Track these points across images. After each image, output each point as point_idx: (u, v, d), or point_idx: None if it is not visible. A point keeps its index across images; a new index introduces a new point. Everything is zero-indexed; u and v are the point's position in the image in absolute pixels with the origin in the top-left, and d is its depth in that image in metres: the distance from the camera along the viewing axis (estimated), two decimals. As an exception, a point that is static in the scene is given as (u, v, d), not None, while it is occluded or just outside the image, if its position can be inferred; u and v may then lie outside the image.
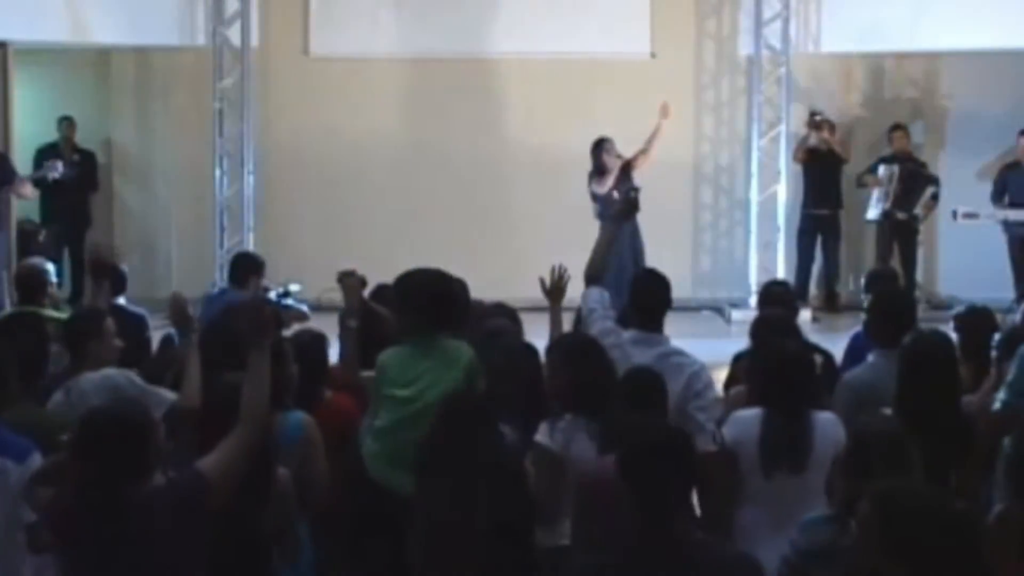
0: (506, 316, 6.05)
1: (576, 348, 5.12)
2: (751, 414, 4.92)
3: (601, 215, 10.82)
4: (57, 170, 11.86)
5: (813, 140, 12.76)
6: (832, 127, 12.81)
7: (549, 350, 5.12)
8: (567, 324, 5.95)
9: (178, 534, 3.88)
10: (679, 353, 5.45)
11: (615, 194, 10.69)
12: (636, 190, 5.68)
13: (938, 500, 3.16)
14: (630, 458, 3.49)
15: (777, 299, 6.60)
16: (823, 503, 4.33)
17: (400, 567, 4.55)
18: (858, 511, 3.15)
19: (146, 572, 3.86)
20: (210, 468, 3.99)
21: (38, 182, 12.31)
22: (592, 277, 5.52)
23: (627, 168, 11.00)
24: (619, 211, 5.68)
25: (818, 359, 5.55)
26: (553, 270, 5.91)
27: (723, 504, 4.92)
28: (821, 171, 12.79)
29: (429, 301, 4.79)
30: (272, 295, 8.36)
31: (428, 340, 4.77)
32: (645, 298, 5.47)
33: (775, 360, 5.02)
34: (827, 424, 4.83)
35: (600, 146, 11.04)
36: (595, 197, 10.96)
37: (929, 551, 3.03)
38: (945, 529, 3.05)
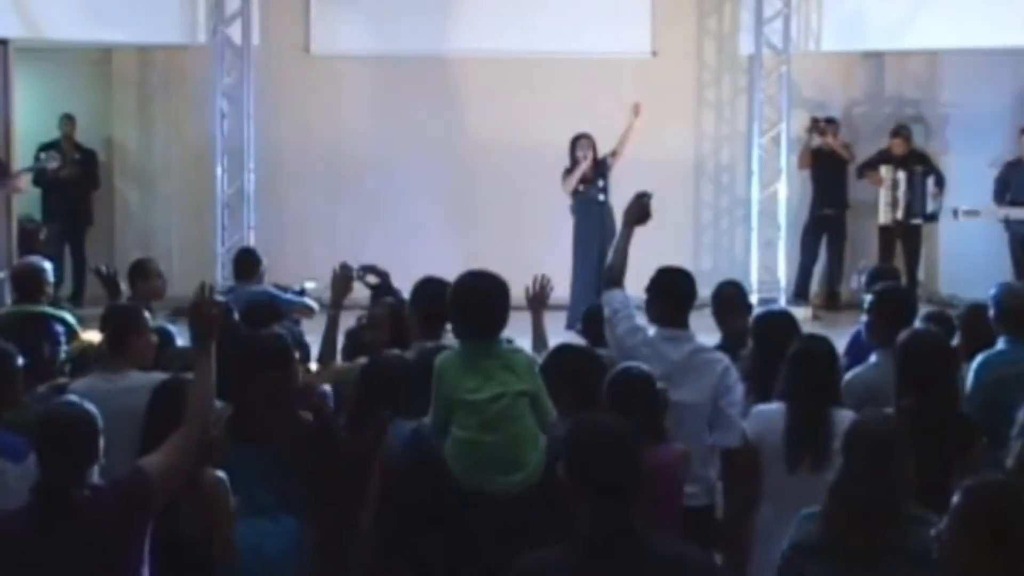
0: None
1: (569, 368, 5.05)
2: (774, 409, 4.94)
3: (572, 210, 11.07)
4: (55, 160, 11.86)
5: (816, 141, 12.75)
6: (835, 127, 12.79)
7: (544, 373, 5.05)
8: (550, 327, 6.00)
9: (122, 533, 3.88)
10: (708, 349, 5.46)
11: (581, 187, 10.98)
12: (648, 195, 5.56)
13: None
14: (575, 457, 3.42)
15: (729, 301, 6.44)
16: None
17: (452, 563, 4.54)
18: (951, 504, 3.10)
19: (90, 572, 3.85)
20: (153, 467, 3.99)
21: (38, 177, 12.32)
22: (613, 280, 5.46)
23: (602, 167, 11.00)
24: (633, 215, 5.56)
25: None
26: (535, 280, 5.93)
27: (747, 501, 4.94)
28: (826, 172, 12.78)
29: (464, 304, 4.71)
30: (288, 294, 8.36)
31: (477, 343, 4.69)
32: (672, 294, 5.38)
33: (801, 355, 5.01)
34: (847, 421, 4.81)
35: (573, 142, 11.10)
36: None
37: (1018, 546, 2.98)
38: None
